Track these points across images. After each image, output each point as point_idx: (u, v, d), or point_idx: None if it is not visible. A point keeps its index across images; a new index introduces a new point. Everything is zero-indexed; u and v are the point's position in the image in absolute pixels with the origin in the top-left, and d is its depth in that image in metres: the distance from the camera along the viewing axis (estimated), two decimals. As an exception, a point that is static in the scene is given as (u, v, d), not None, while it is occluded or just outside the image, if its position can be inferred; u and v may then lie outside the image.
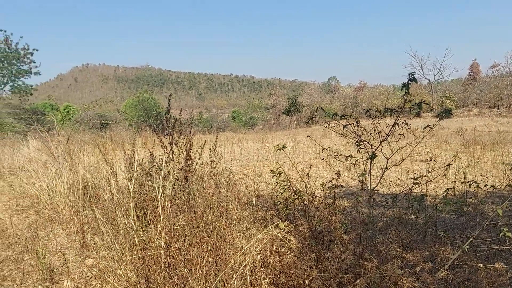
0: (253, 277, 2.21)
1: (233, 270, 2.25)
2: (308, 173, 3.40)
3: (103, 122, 26.84)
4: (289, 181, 3.12)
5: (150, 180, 3.61)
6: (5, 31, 26.85)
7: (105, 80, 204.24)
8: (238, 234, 2.64)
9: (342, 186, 3.22)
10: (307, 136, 3.27)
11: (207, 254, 2.37)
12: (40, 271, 3.14)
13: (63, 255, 3.17)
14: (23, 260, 3.50)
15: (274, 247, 2.39)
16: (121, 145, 12.13)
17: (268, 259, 2.33)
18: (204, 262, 2.33)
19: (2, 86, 27.33)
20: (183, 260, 2.39)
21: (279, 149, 3.07)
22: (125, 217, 3.07)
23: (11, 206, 5.38)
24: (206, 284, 2.26)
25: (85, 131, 18.92)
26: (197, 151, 3.48)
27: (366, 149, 3.06)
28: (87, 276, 3.11)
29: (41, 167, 5.62)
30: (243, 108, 50.25)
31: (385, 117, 3.08)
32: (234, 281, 2.17)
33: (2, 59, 26.58)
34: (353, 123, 3.03)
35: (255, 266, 2.29)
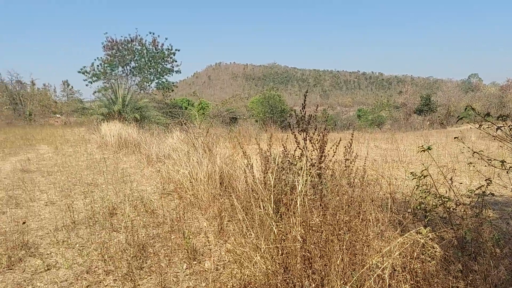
0: (392, 281, 2.14)
1: (370, 271, 2.20)
2: (451, 178, 3.14)
3: (233, 117, 28.38)
4: (434, 185, 2.92)
5: (283, 174, 3.73)
6: (153, 33, 30.21)
7: (235, 77, 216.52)
8: (374, 236, 2.57)
9: (493, 195, 2.91)
10: (455, 138, 3.01)
11: (342, 252, 2.36)
12: (185, 250, 3.47)
13: (207, 237, 3.45)
14: (170, 238, 3.91)
15: (415, 253, 2.27)
16: (248, 140, 12.73)
17: (409, 264, 2.23)
18: (339, 259, 2.32)
19: (149, 83, 30.88)
20: (318, 255, 2.42)
21: (424, 151, 2.89)
22: (260, 207, 3.22)
23: (158, 189, 6.05)
24: (341, 282, 2.25)
25: (217, 125, 20.30)
26: (331, 148, 3.47)
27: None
28: (225, 260, 3.35)
29: (183, 156, 6.21)
30: (369, 107, 48.42)
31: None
32: (371, 282, 2.12)
33: (150, 58, 29.98)
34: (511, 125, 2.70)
35: (394, 270, 2.21)
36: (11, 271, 3.28)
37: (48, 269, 3.30)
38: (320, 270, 2.28)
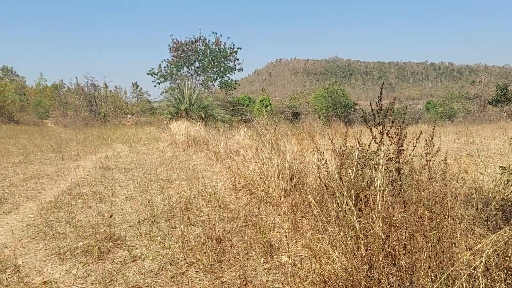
0: (486, 280, 2.03)
1: (460, 269, 2.11)
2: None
3: (295, 113, 28.25)
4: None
5: (359, 169, 3.67)
6: (215, 33, 30.91)
7: (295, 73, 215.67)
8: (462, 233, 2.46)
9: None
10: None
11: (428, 250, 2.28)
12: (261, 245, 3.54)
13: (285, 232, 3.49)
14: (245, 233, 4.01)
15: (510, 251, 2.13)
16: (311, 136, 12.59)
17: (503, 262, 2.10)
18: (426, 257, 2.25)
19: (213, 81, 31.67)
20: (402, 252, 2.36)
21: (516, 143, 2.70)
22: (337, 203, 3.19)
23: (229, 185, 6.21)
24: (429, 280, 2.18)
25: (280, 121, 20.37)
26: (410, 142, 3.36)
27: None
28: (301, 255, 3.37)
29: (252, 152, 6.32)
30: (439, 99, 45.95)
31: None
32: (462, 281, 2.03)
33: (213, 58, 30.72)
34: None
35: (488, 269, 2.10)
36: (101, 261, 3.54)
37: (134, 260, 3.52)
38: (406, 268, 2.23)
